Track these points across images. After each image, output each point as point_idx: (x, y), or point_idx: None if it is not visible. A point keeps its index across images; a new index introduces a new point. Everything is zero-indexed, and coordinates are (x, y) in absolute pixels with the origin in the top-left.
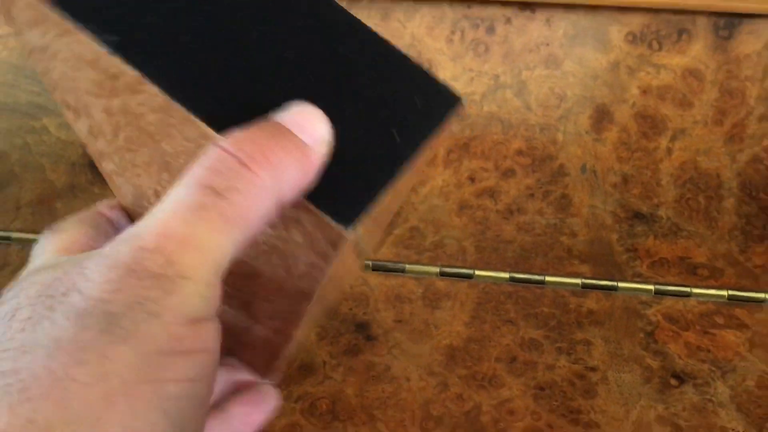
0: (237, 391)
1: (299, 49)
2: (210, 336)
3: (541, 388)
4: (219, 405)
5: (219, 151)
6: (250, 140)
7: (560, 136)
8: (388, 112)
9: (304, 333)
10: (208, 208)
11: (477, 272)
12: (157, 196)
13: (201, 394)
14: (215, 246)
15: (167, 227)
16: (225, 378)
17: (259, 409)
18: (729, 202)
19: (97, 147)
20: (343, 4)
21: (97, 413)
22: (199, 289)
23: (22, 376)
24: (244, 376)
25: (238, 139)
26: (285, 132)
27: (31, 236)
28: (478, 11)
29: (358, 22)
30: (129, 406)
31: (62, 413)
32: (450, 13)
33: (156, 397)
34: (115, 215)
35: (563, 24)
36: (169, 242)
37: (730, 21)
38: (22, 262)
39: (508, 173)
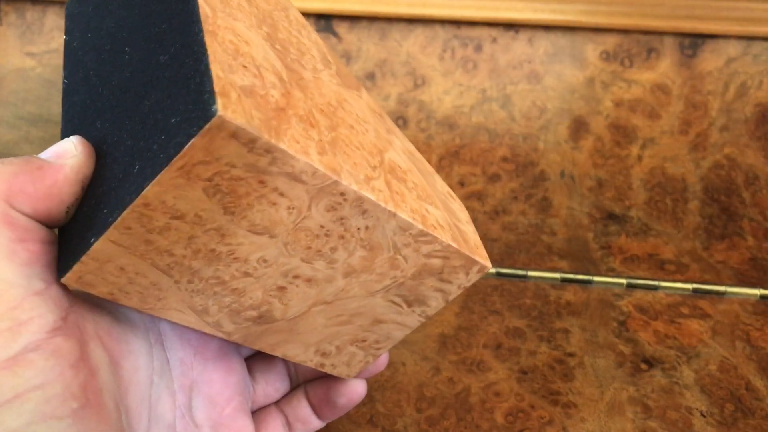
0: (318, 378)
1: (125, 58)
2: (36, 370)
3: (524, 372)
4: (305, 386)
5: None
6: None
7: (541, 145)
8: (145, 131)
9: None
10: None
11: None
12: None
13: (53, 431)
14: None
15: None
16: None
17: (334, 405)
18: (693, 204)
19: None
20: (345, 26)
21: None
22: None
23: None
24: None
25: None
26: (24, 160)
27: None
28: (467, 31)
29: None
30: None
31: None
32: (442, 33)
33: None
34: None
35: (544, 43)
36: None
37: (694, 41)
38: None
39: (494, 178)
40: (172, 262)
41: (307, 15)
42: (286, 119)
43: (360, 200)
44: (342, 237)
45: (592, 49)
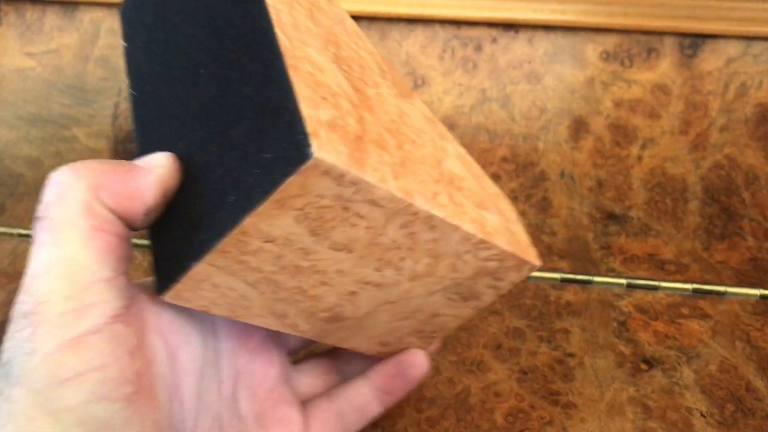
0: (384, 360)
1: (205, 79)
2: (96, 351)
3: (524, 372)
4: (365, 373)
5: (46, 183)
6: (70, 167)
7: (541, 145)
8: (237, 162)
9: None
10: (37, 237)
11: None
12: None
13: (106, 412)
14: (57, 261)
15: (26, 273)
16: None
17: (404, 378)
18: (693, 205)
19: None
20: None
21: None
22: (60, 307)
23: None
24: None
25: (61, 169)
26: (116, 162)
27: None
28: (466, 31)
29: (270, 41)
30: None
31: None
32: (441, 33)
33: (59, 427)
34: None
35: (544, 43)
36: (27, 281)
37: (694, 41)
38: None
39: (494, 178)
40: (260, 277)
41: None
42: (364, 148)
43: (430, 218)
44: (411, 249)
45: (592, 50)
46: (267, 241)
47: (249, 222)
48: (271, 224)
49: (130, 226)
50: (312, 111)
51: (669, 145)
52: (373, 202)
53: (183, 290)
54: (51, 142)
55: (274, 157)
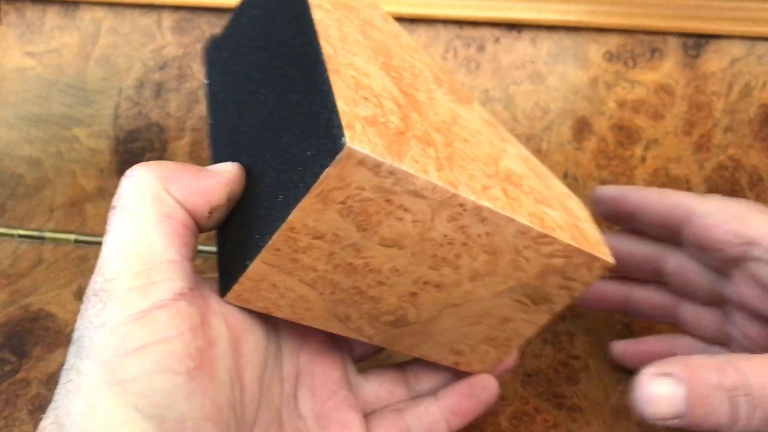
0: (457, 381)
1: (264, 99)
2: (161, 325)
3: (529, 375)
4: (436, 393)
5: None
6: (142, 163)
7: (544, 146)
8: (285, 164)
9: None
10: (110, 224)
11: None
12: None
13: (168, 384)
14: (128, 242)
15: (99, 257)
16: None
17: (475, 400)
18: None
19: None
20: None
21: (85, 418)
22: (129, 283)
23: (54, 405)
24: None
25: (134, 166)
26: (187, 165)
27: (63, 236)
28: (469, 31)
29: (314, 50)
30: (102, 408)
31: (66, 419)
32: (444, 33)
33: (122, 396)
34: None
35: (547, 43)
36: (99, 263)
37: (698, 41)
38: (56, 259)
39: None
40: (315, 276)
41: None
42: (405, 142)
43: (478, 209)
44: (464, 244)
45: (595, 50)
46: (316, 238)
47: (294, 217)
48: (317, 219)
49: (196, 222)
50: (349, 107)
51: (673, 146)
52: (416, 193)
53: (242, 290)
54: (51, 142)
55: (315, 152)
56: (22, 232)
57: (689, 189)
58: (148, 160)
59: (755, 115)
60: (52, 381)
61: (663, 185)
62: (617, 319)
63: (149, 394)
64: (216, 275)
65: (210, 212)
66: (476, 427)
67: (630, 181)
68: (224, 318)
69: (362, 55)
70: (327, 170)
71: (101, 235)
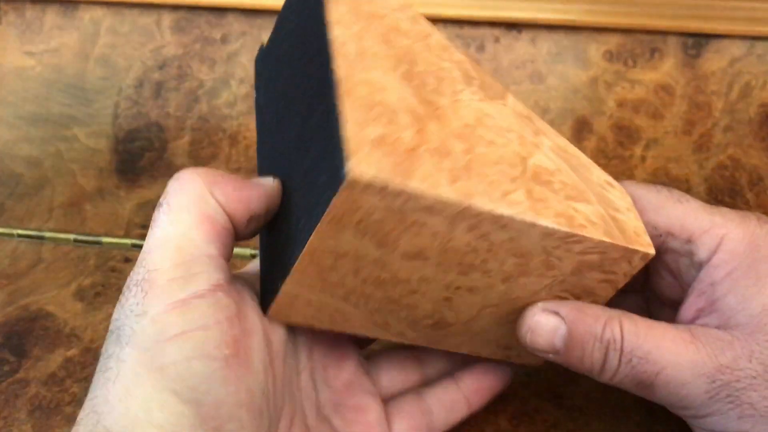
0: (471, 363)
1: (295, 127)
2: (200, 313)
3: (529, 375)
4: (453, 374)
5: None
6: (188, 169)
7: None
8: (306, 186)
9: None
10: (155, 220)
11: None
12: None
13: (206, 369)
14: (171, 237)
15: (142, 251)
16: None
17: (494, 378)
18: None
19: None
20: None
21: (125, 403)
22: (170, 274)
23: (92, 395)
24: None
25: (180, 171)
26: (229, 174)
27: (62, 235)
28: (469, 31)
29: (329, 89)
30: (142, 392)
31: (104, 407)
32: (444, 32)
33: (161, 381)
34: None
35: (547, 43)
36: (142, 256)
37: (698, 41)
38: (55, 258)
39: None
40: (346, 291)
41: None
42: (417, 158)
43: (496, 217)
44: (489, 250)
45: (595, 49)
46: (339, 257)
47: (313, 241)
48: (336, 240)
49: (235, 227)
50: (357, 131)
51: (672, 146)
52: (428, 209)
53: (279, 309)
54: (51, 142)
55: (326, 179)
56: (21, 231)
57: (689, 189)
58: (147, 159)
59: (755, 114)
60: (51, 381)
61: (663, 185)
62: None
63: (187, 379)
64: (250, 270)
65: (248, 220)
66: (476, 427)
67: (630, 180)
68: (258, 312)
69: (381, 68)
70: (334, 199)
71: (101, 234)
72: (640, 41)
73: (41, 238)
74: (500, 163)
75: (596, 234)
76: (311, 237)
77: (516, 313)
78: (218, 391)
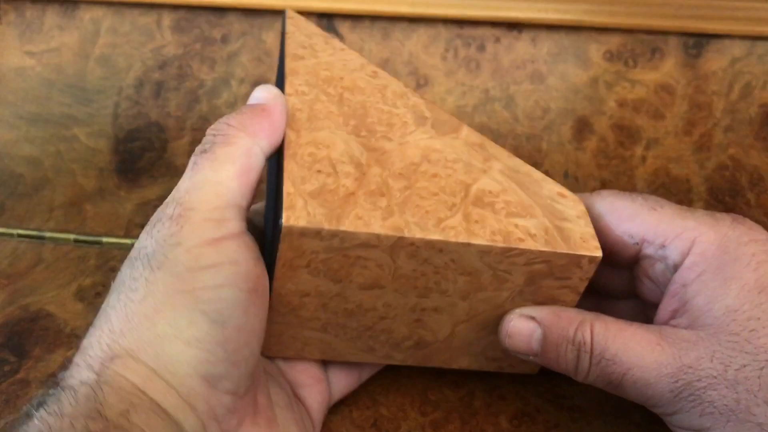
0: None
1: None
2: (231, 251)
3: (529, 376)
4: None
5: (207, 132)
6: (228, 121)
7: (544, 145)
8: (273, 232)
9: None
10: (198, 164)
11: None
12: None
13: (233, 296)
14: (211, 183)
15: (178, 189)
16: None
17: None
18: (698, 206)
19: None
20: (347, 25)
21: (151, 320)
22: (206, 215)
23: (108, 309)
24: None
25: (219, 123)
26: (253, 107)
27: (62, 235)
28: (469, 31)
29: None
30: (172, 311)
31: (127, 324)
32: (444, 32)
33: (192, 302)
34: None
35: (547, 43)
36: (178, 194)
37: (698, 41)
38: (56, 258)
39: None
40: (322, 324)
41: (309, 15)
42: (353, 202)
43: (430, 243)
44: (437, 272)
45: (595, 49)
46: (304, 296)
47: (275, 285)
48: (294, 282)
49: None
50: (295, 187)
51: (673, 146)
52: (364, 244)
53: (270, 346)
54: (51, 142)
55: (277, 231)
56: (21, 231)
57: (690, 189)
58: (147, 159)
59: (756, 114)
60: (51, 381)
61: (663, 185)
62: None
63: (216, 302)
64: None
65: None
66: (477, 427)
67: (630, 180)
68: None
69: (330, 127)
70: (280, 246)
71: (101, 234)
72: (640, 41)
73: (41, 238)
74: (440, 193)
75: (535, 245)
76: (274, 281)
77: (490, 326)
78: (240, 318)
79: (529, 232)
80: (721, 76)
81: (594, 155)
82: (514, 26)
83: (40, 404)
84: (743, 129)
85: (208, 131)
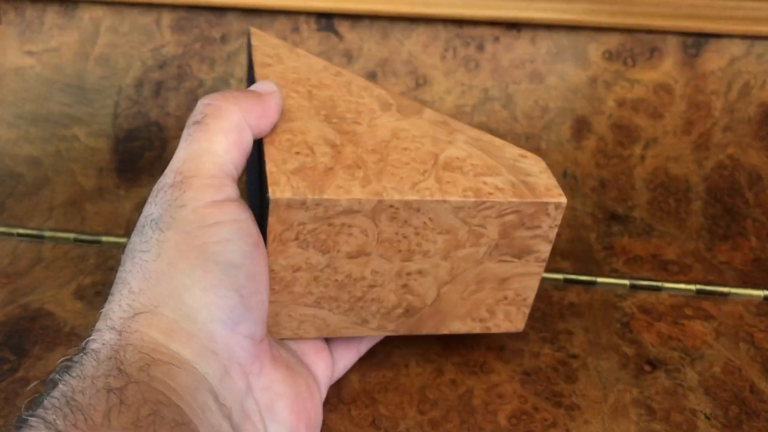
0: None
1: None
2: (233, 211)
3: (527, 374)
4: None
5: (199, 103)
6: (221, 95)
7: (543, 145)
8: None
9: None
10: (192, 135)
11: None
12: None
13: (241, 249)
14: (207, 152)
15: (174, 160)
16: None
17: None
18: (696, 205)
19: None
20: (346, 25)
21: (168, 274)
22: (206, 181)
23: (124, 274)
24: None
25: (212, 95)
26: (248, 90)
27: (62, 235)
28: (469, 30)
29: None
30: (187, 263)
31: (145, 283)
32: (443, 32)
33: (204, 254)
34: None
35: (546, 43)
36: (176, 164)
37: (697, 40)
38: (55, 257)
39: None
40: (315, 298)
41: (308, 14)
42: (332, 175)
43: (408, 203)
44: (417, 233)
45: (594, 49)
46: (295, 271)
47: (268, 263)
48: (286, 256)
49: (256, 137)
50: (277, 167)
51: (672, 145)
52: (348, 211)
53: (268, 327)
54: (51, 142)
55: (264, 208)
56: (21, 231)
57: (688, 188)
58: (147, 159)
59: (754, 114)
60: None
61: (662, 184)
62: (616, 318)
63: (227, 254)
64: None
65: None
66: (475, 426)
67: (629, 180)
68: None
69: (303, 117)
70: (269, 219)
71: (101, 234)
72: (639, 41)
73: (41, 237)
74: (411, 162)
75: (504, 197)
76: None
77: (473, 284)
78: (250, 267)
79: (497, 187)
80: (720, 76)
81: (593, 154)
82: (513, 26)
83: (65, 370)
84: (742, 128)
85: (201, 101)
